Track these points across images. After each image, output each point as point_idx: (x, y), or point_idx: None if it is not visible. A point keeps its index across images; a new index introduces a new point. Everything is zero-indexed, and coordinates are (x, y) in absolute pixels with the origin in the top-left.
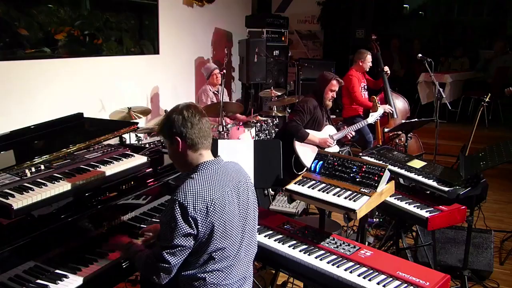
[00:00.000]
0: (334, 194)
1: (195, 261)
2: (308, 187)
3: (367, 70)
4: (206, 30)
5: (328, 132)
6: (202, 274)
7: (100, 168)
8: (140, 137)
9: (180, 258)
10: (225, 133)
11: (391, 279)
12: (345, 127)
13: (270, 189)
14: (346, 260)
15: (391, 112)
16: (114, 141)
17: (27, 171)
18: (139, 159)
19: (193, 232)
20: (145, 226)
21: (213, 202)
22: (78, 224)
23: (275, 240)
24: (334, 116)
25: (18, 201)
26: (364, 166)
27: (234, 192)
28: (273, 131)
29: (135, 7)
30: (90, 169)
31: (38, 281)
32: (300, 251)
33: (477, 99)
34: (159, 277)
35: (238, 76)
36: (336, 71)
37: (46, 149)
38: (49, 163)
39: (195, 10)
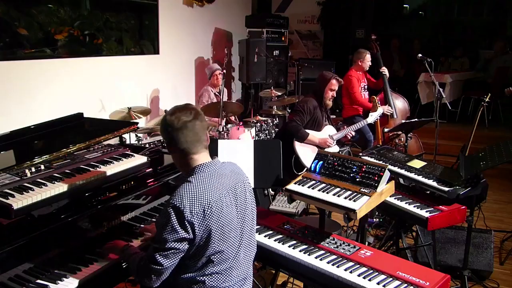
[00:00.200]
0: (334, 194)
1: (193, 264)
2: (308, 187)
3: (367, 69)
4: (206, 30)
5: (328, 132)
6: (201, 277)
7: (100, 168)
8: (140, 137)
9: (173, 261)
10: (225, 133)
11: (391, 279)
12: (345, 127)
13: (270, 189)
14: (346, 260)
15: (391, 113)
16: (114, 141)
17: (27, 171)
18: (139, 159)
19: (188, 237)
20: (145, 226)
21: (210, 205)
22: (78, 224)
23: (275, 240)
24: (334, 116)
25: (18, 201)
26: (364, 166)
27: (232, 194)
28: (273, 131)
29: (135, 7)
30: (90, 169)
31: (38, 281)
32: (300, 251)
33: (477, 99)
34: (150, 279)
35: (238, 76)
36: (336, 71)
37: (46, 149)
38: (49, 163)
39: (195, 10)
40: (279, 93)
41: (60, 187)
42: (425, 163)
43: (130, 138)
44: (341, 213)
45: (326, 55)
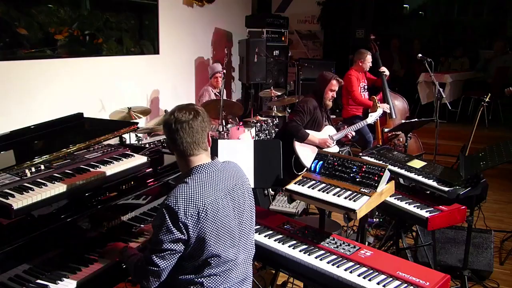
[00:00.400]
0: (334, 194)
1: (191, 265)
2: (308, 187)
3: (367, 70)
4: (206, 30)
5: (328, 132)
6: (199, 279)
7: (100, 168)
8: (140, 137)
9: (170, 262)
10: (225, 133)
11: (391, 279)
12: (345, 127)
13: (270, 189)
14: (346, 260)
15: (389, 111)
16: (114, 141)
17: (27, 171)
18: (139, 159)
19: (183, 238)
20: (144, 226)
21: (205, 208)
22: (78, 224)
23: (275, 240)
24: (334, 116)
25: (18, 201)
26: (364, 166)
27: (229, 196)
28: (273, 131)
29: (135, 7)
30: (90, 169)
31: (38, 281)
32: (300, 251)
33: (477, 99)
34: (148, 280)
35: (238, 76)
36: (336, 71)
37: (46, 149)
38: (49, 163)
39: (195, 10)
40: (279, 93)
41: (60, 187)
42: (425, 163)
43: (130, 138)
44: (341, 213)
45: (326, 55)
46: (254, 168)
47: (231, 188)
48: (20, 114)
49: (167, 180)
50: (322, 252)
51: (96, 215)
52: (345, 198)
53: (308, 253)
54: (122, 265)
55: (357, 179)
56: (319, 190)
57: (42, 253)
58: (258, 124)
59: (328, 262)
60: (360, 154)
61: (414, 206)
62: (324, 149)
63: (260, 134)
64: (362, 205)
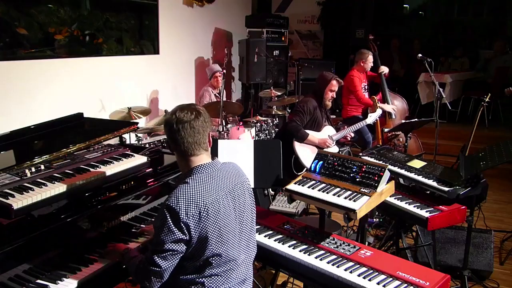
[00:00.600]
0: (334, 194)
1: (192, 266)
2: (308, 187)
3: (368, 70)
4: (206, 30)
5: (328, 132)
6: (200, 279)
7: (100, 168)
8: (140, 137)
9: (172, 262)
10: (225, 133)
11: (391, 279)
12: (345, 127)
13: (270, 189)
14: (346, 260)
15: (393, 111)
16: (114, 141)
17: (27, 171)
18: (139, 159)
19: (185, 238)
20: (145, 226)
21: (207, 208)
22: (78, 224)
23: (275, 240)
24: (334, 116)
25: (18, 201)
26: (364, 166)
27: (230, 196)
28: (273, 131)
29: (135, 7)
30: (90, 169)
31: (38, 281)
32: (300, 251)
33: (477, 99)
34: (150, 281)
35: (238, 76)
36: (336, 71)
37: (46, 149)
38: (49, 163)
39: (195, 10)
40: (279, 93)
41: (60, 187)
42: (425, 163)
43: (130, 138)
44: (341, 213)
45: (326, 55)
46: (254, 168)
47: (231, 187)
48: (20, 114)
49: (167, 180)
50: (322, 252)
51: (96, 215)
52: (345, 198)
53: (308, 253)
54: (122, 265)
55: (357, 179)
56: (319, 190)
57: (42, 253)
58: (258, 124)
59: (328, 262)
60: (360, 154)
61: (414, 206)
62: (324, 149)
63: (260, 134)
64: (362, 205)
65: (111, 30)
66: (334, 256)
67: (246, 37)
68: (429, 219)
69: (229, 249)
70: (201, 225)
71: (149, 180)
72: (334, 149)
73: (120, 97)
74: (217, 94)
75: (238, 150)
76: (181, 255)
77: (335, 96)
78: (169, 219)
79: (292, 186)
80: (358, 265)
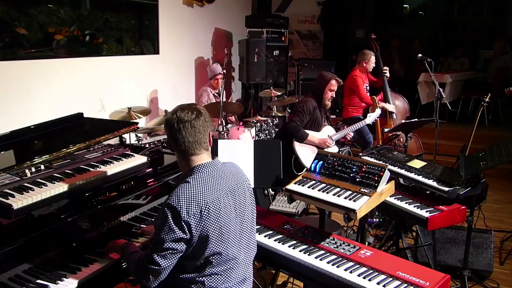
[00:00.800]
0: (334, 194)
1: (192, 265)
2: (308, 187)
3: (370, 70)
4: (206, 30)
5: (327, 132)
6: (200, 278)
7: (100, 168)
8: (140, 137)
9: (171, 261)
10: (225, 133)
11: (391, 279)
12: (345, 127)
13: (270, 189)
14: (346, 260)
15: (394, 111)
16: (114, 141)
17: (27, 171)
18: (139, 159)
19: (185, 237)
20: (145, 226)
21: (207, 207)
22: (78, 224)
23: (275, 240)
24: (334, 116)
25: (18, 201)
26: (364, 166)
27: (230, 195)
28: (273, 131)
29: (135, 7)
30: (90, 169)
31: (38, 281)
32: (300, 251)
33: (477, 99)
34: (148, 279)
35: (238, 76)
36: (336, 71)
37: (46, 149)
38: (49, 163)
39: (195, 10)
40: (279, 93)
41: (60, 187)
42: (425, 163)
43: (130, 138)
44: (341, 213)
45: (326, 55)
46: (254, 168)
47: (232, 187)
48: (20, 114)
49: (167, 180)
50: (322, 252)
51: (96, 215)
52: (345, 198)
53: (308, 253)
54: (122, 265)
55: (357, 179)
56: (319, 190)
57: (42, 253)
58: (258, 124)
59: (328, 262)
60: (360, 154)
61: (414, 206)
62: (324, 149)
63: (260, 134)
64: (362, 205)
65: (111, 30)
66: (334, 256)
67: (246, 37)
68: (429, 219)
69: (230, 248)
70: (202, 224)
71: (149, 180)
72: (334, 149)
73: (120, 97)
74: (215, 94)
75: (238, 150)
76: (181, 254)
77: (334, 96)
78: (170, 218)
79: (292, 186)
80: (358, 265)
